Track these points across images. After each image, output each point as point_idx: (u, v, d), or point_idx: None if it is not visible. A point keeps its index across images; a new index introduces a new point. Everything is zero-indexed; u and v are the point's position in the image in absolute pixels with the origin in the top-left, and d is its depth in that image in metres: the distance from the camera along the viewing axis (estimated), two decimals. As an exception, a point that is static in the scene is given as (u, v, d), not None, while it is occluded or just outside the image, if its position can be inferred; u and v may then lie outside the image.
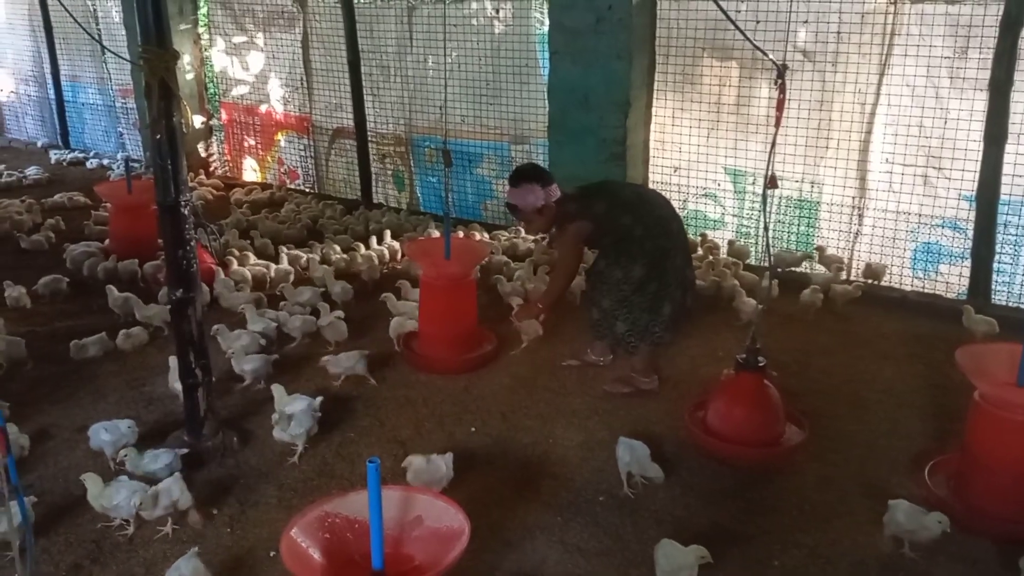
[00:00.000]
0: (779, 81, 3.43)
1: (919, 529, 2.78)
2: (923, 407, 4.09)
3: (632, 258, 4.13)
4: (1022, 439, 3.06)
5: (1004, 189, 5.04)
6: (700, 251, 6.15)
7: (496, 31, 6.97)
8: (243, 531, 3.13)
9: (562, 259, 4.41)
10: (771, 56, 3.69)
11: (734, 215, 6.38)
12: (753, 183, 6.13)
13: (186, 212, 3.49)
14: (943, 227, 5.50)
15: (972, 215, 5.20)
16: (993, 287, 5.22)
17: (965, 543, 3.00)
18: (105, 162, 10.13)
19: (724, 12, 3.57)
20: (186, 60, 9.08)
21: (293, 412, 3.68)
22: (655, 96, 6.31)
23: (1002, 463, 3.07)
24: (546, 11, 6.50)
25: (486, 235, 6.70)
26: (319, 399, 3.74)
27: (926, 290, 5.56)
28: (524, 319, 4.54)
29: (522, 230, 6.20)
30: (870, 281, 5.54)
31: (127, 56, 8.03)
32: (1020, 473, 3.07)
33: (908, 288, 5.62)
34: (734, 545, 3.03)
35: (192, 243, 3.55)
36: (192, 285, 3.53)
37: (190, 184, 8.69)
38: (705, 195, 6.46)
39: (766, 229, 3.80)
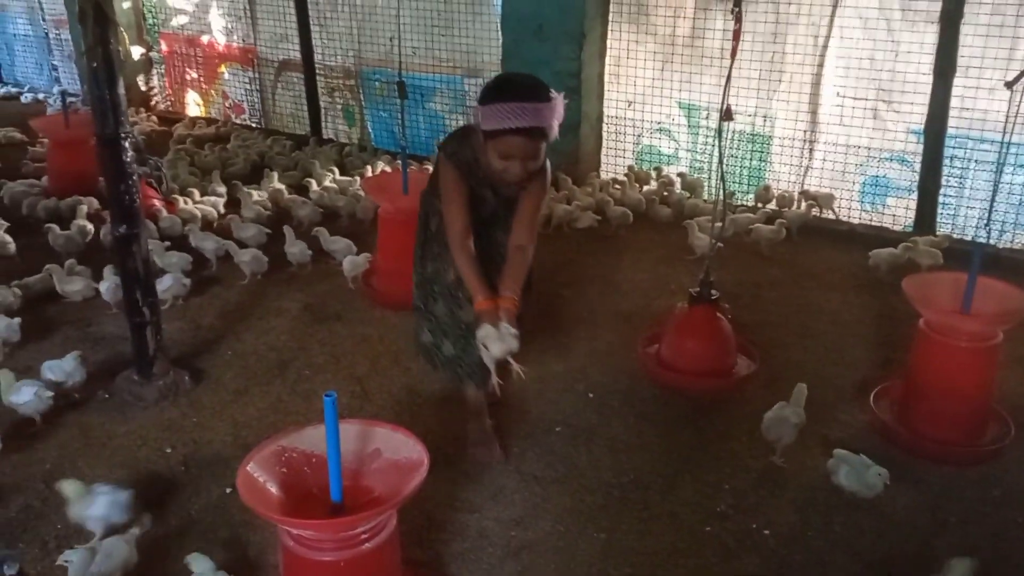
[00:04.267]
0: (735, 10, 3.39)
1: (861, 489, 2.85)
2: (868, 336, 4.19)
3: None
4: (965, 365, 3.16)
5: (951, 122, 5.11)
6: (655, 185, 6.16)
7: (448, -41, 6.77)
8: (198, 469, 3.10)
9: (538, 213, 3.01)
10: (727, -16, 3.63)
11: (688, 150, 6.38)
12: (707, 117, 6.12)
13: (127, 145, 3.36)
14: (891, 160, 5.59)
15: (920, 148, 5.28)
16: (938, 219, 5.33)
17: (908, 464, 3.11)
18: (41, 96, 9.71)
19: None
20: (122, -12, 8.68)
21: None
22: (610, 28, 6.21)
23: (945, 389, 3.17)
24: (499, -62, 6.32)
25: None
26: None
27: (873, 223, 5.67)
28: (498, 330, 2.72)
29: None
30: (816, 211, 5.63)
31: (57, -18, 7.63)
32: (962, 398, 3.19)
33: (856, 221, 5.72)
34: (686, 471, 3.11)
35: (134, 177, 3.43)
36: (136, 220, 3.42)
37: (131, 119, 8.48)
38: (659, 130, 6.44)
39: (721, 162, 3.79)
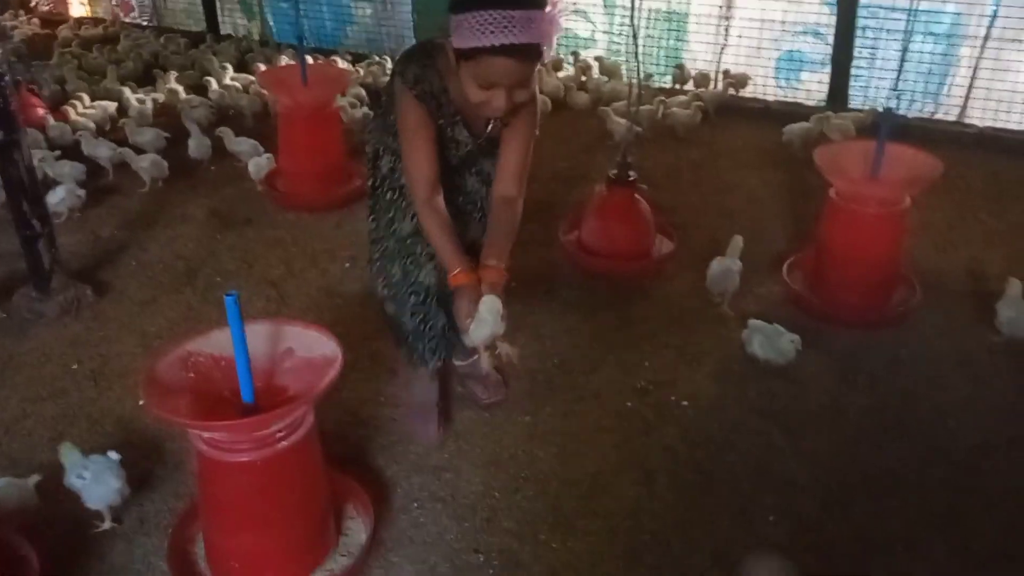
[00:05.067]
0: None
1: (775, 357, 2.92)
2: (783, 211, 4.25)
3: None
4: (873, 231, 3.22)
5: (863, -8, 5.10)
6: (572, 71, 6.03)
7: None
8: (108, 383, 2.99)
9: (528, 156, 2.37)
10: None
11: (604, 32, 6.22)
12: (622, -4, 5.96)
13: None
14: (805, 34, 5.56)
15: (833, 20, 5.25)
16: (851, 92, 5.37)
17: (820, 331, 3.20)
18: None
19: None
20: None
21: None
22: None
23: (854, 255, 3.24)
24: None
25: (349, 66, 6.32)
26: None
27: (788, 99, 5.68)
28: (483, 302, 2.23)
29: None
30: (732, 92, 5.60)
31: None
32: (871, 264, 3.26)
33: (771, 98, 5.72)
34: (608, 352, 3.14)
35: (6, 78, 3.15)
36: (13, 125, 3.16)
37: (10, 23, 7.83)
38: (575, 12, 6.24)
39: (635, 38, 3.68)
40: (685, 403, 2.84)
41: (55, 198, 3.92)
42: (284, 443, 2.04)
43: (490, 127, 2.35)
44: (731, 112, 5.49)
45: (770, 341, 2.94)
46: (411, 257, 2.47)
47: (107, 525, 2.35)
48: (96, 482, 2.32)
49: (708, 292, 3.40)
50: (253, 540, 2.10)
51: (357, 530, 2.35)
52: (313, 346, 2.19)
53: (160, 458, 2.63)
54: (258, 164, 4.43)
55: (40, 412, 2.84)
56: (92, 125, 5.09)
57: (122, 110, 5.51)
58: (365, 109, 5.29)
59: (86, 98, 5.54)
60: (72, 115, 5.22)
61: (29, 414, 2.83)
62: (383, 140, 2.49)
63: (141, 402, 2.85)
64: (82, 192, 4.19)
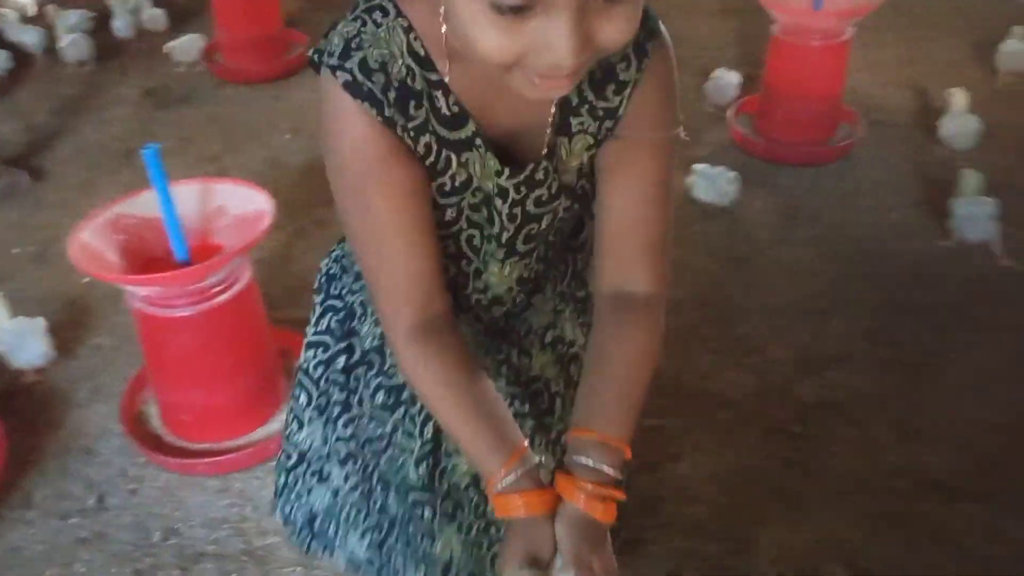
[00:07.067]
0: None
1: (717, 199, 2.94)
2: (734, 59, 4.18)
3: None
4: (817, 65, 3.18)
5: None
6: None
7: None
8: (51, 264, 2.95)
9: (669, 195, 1.08)
10: None
11: None
12: None
13: None
14: None
15: None
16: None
17: (766, 171, 3.22)
18: None
19: None
20: None
21: None
22: None
23: (799, 92, 3.21)
24: None
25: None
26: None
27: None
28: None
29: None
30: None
31: None
32: (814, 100, 3.24)
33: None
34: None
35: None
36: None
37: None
38: None
39: None
40: (629, 248, 2.86)
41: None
42: (223, 296, 2.05)
43: (551, 137, 1.01)
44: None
45: (711, 183, 2.95)
46: (414, 523, 1.18)
47: (31, 379, 2.45)
48: (18, 345, 2.40)
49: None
50: (201, 394, 2.14)
51: (309, 383, 2.39)
52: (245, 202, 2.17)
53: (110, 331, 2.65)
54: (194, 38, 4.26)
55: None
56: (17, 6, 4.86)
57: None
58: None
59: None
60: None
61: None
62: (358, 286, 1.24)
63: (86, 279, 2.83)
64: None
